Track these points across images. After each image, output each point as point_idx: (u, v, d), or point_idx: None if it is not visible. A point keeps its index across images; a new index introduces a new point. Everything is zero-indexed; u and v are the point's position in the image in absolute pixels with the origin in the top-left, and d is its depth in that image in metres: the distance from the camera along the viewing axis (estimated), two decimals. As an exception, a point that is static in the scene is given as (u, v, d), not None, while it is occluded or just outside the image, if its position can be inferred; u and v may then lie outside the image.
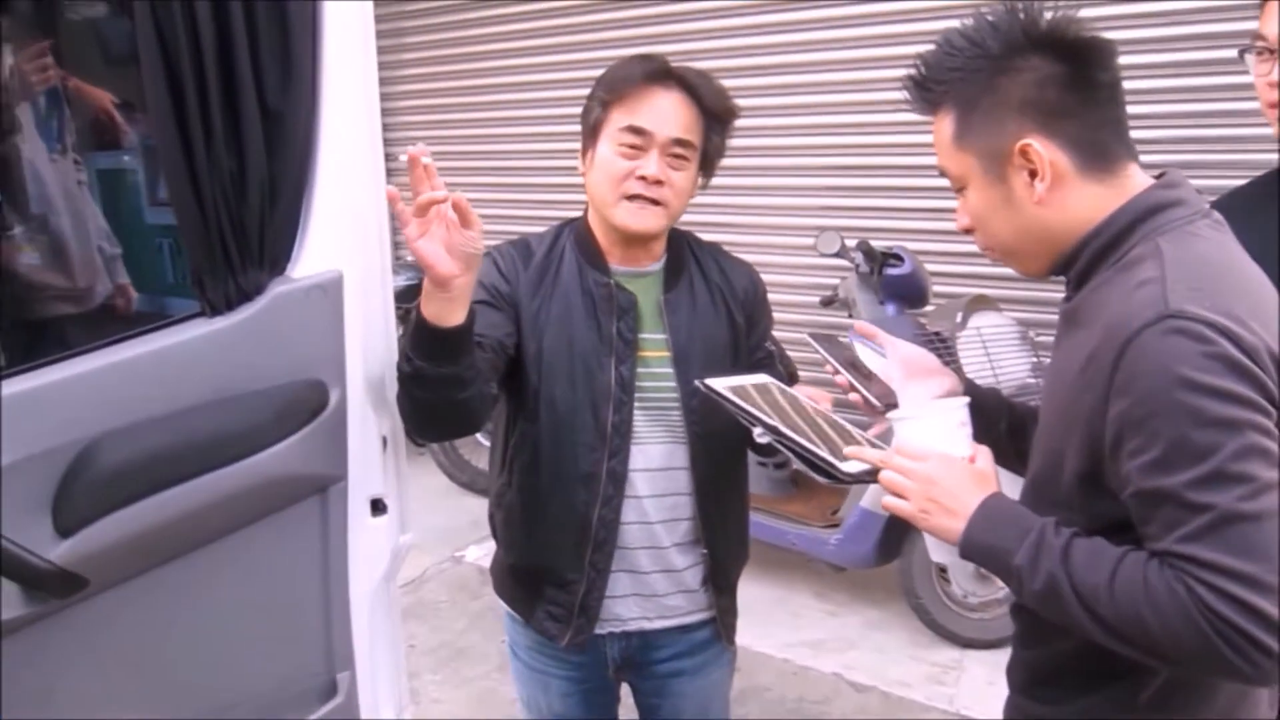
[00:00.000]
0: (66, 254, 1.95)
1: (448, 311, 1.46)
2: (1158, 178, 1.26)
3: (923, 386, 1.54)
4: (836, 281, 3.98)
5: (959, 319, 3.47)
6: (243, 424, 1.40)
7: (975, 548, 1.23)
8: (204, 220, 1.35)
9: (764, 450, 1.71)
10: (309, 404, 1.45)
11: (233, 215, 1.37)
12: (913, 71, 1.31)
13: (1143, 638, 1.09)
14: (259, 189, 1.38)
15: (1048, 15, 1.23)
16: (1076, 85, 1.21)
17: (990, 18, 1.24)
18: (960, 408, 1.35)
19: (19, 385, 1.25)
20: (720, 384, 1.54)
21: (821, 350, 1.64)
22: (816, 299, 4.10)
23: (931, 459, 1.28)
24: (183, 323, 1.39)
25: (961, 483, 1.26)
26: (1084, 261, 1.25)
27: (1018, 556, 1.17)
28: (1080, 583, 1.13)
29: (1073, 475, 1.21)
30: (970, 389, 1.56)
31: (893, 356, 1.52)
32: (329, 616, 1.56)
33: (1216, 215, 1.24)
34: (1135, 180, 1.24)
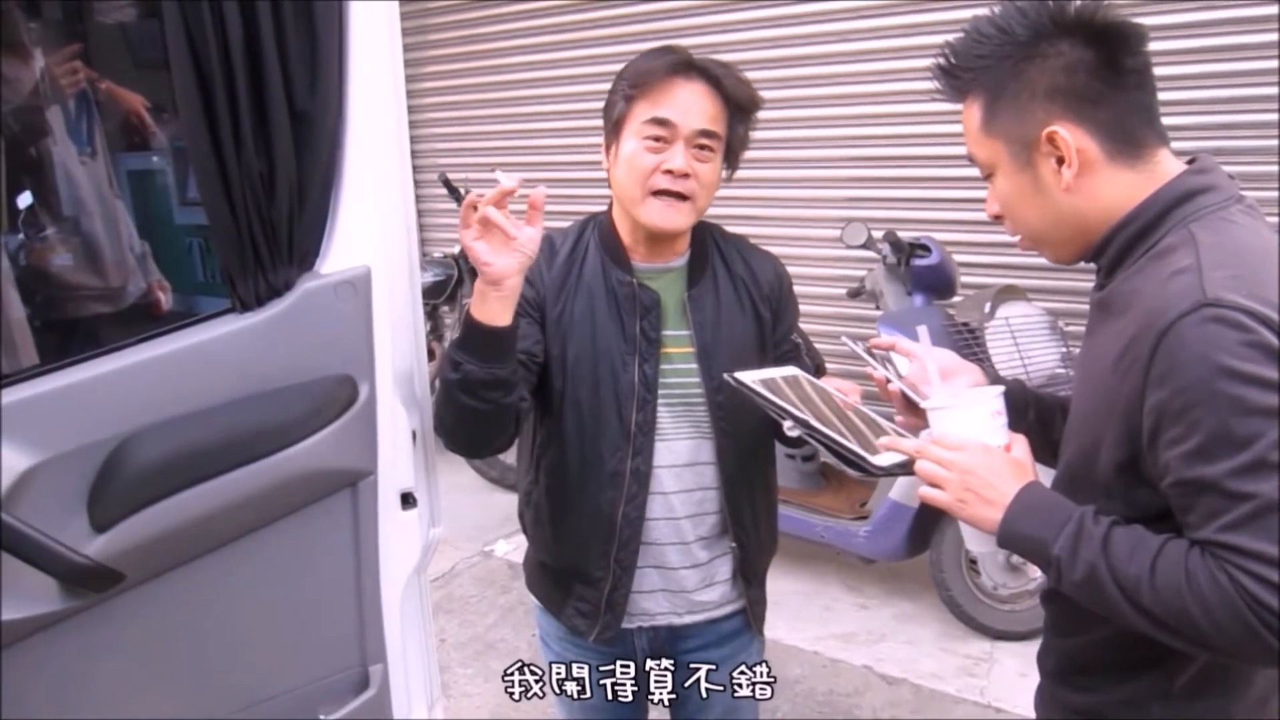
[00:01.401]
0: (99, 254, 1.98)
1: (497, 311, 1.51)
2: (1189, 163, 1.24)
3: (952, 382, 1.54)
4: (864, 273, 3.96)
5: (987, 309, 3.46)
6: (273, 419, 1.41)
7: (1013, 537, 1.23)
8: (234, 219, 1.36)
9: (792, 443, 1.70)
10: (339, 399, 1.46)
11: (262, 214, 1.38)
12: (940, 59, 1.30)
13: (1186, 627, 1.09)
14: (288, 188, 1.39)
15: (1076, 1, 1.22)
16: (1104, 71, 1.20)
17: (1018, 4, 1.24)
18: (995, 396, 1.34)
19: (54, 383, 1.27)
20: (749, 377, 1.54)
21: (860, 350, 1.64)
22: (844, 291, 4.09)
23: (968, 448, 1.28)
24: (213, 319, 1.40)
25: (998, 472, 1.25)
26: (1115, 249, 1.24)
27: (1056, 546, 1.17)
28: (1121, 572, 1.12)
29: (1110, 464, 1.20)
30: (995, 381, 1.55)
31: (927, 359, 1.51)
32: (361, 610, 1.56)
33: (1249, 200, 1.23)
34: (1166, 166, 1.23)
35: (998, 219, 1.35)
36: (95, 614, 1.31)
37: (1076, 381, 1.35)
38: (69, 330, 1.96)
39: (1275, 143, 3.45)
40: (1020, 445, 1.32)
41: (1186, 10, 3.60)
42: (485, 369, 1.53)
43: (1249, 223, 1.19)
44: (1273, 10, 3.42)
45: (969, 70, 1.27)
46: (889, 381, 1.57)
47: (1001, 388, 1.39)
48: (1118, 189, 1.22)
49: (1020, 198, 1.28)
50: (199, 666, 1.45)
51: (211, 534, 1.40)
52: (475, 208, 1.46)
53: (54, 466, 1.25)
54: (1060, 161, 1.22)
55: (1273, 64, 3.44)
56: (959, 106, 1.32)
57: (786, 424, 1.46)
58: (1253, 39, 3.49)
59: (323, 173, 1.44)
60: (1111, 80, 1.20)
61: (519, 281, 1.52)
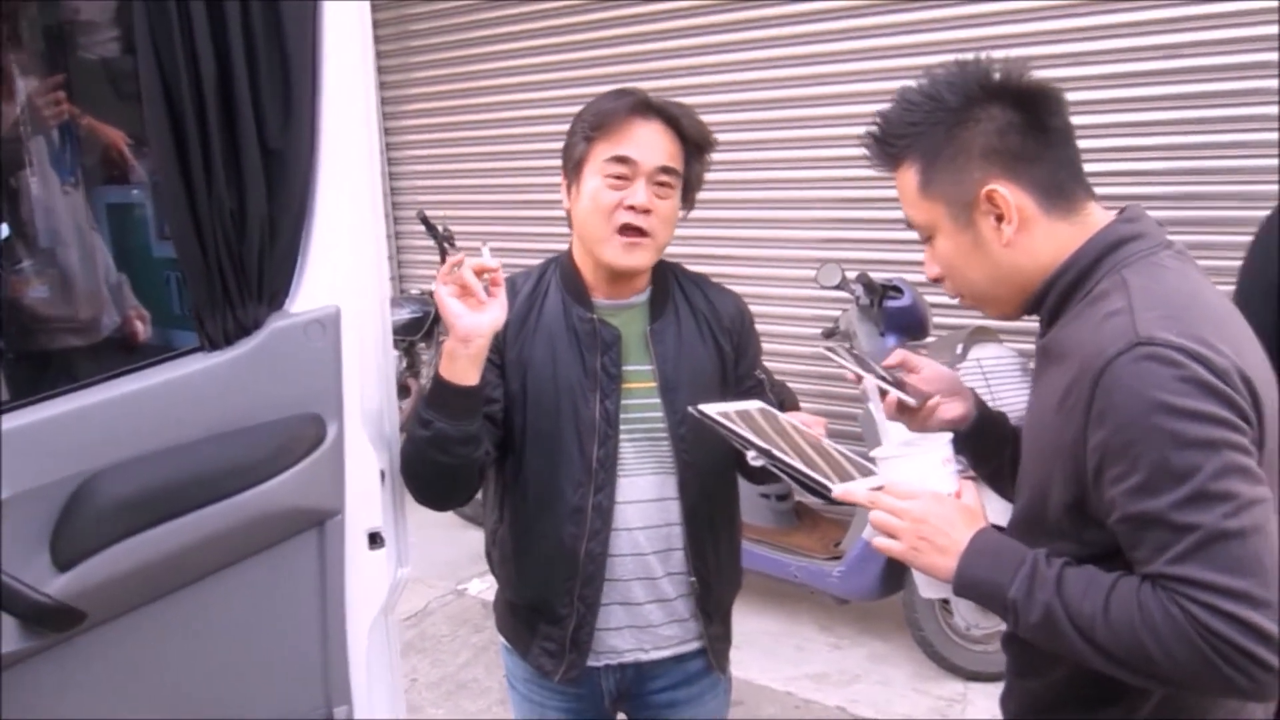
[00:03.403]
0: (74, 287, 1.97)
1: (464, 369, 1.58)
2: (1119, 213, 1.30)
3: (947, 405, 1.56)
4: (838, 314, 3.99)
5: (959, 350, 3.49)
6: (241, 458, 1.41)
7: (969, 584, 1.24)
8: (204, 256, 1.37)
9: (758, 477, 1.72)
10: (307, 438, 1.46)
11: (233, 252, 1.39)
12: (873, 128, 1.36)
13: (1142, 661, 1.11)
14: (259, 226, 1.40)
15: (998, 67, 1.28)
16: (1034, 131, 1.26)
17: (942, 73, 1.31)
18: (945, 444, 1.36)
19: (20, 419, 1.26)
20: (713, 409, 1.55)
21: (843, 359, 1.64)
22: (819, 331, 4.11)
23: (920, 497, 1.30)
24: (182, 357, 1.40)
25: (950, 520, 1.27)
26: (1054, 298, 1.29)
27: (1012, 590, 1.19)
28: (1076, 611, 1.14)
29: (1060, 505, 1.23)
30: (981, 411, 1.58)
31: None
32: (326, 650, 1.55)
33: (1179, 246, 1.28)
34: (1096, 217, 1.29)
35: (938, 280, 1.39)
36: (57, 654, 1.30)
37: (1025, 427, 1.38)
38: (42, 363, 1.95)
39: (1247, 188, 3.50)
40: (970, 492, 1.34)
41: (1159, 58, 3.66)
42: (455, 426, 1.58)
43: (1178, 266, 1.24)
44: (1244, 59, 3.47)
45: (903, 137, 1.33)
46: (883, 390, 1.57)
47: (950, 435, 1.41)
48: (1054, 242, 1.28)
49: (962, 257, 1.33)
50: (161, 707, 1.43)
51: (176, 573, 1.39)
52: (458, 266, 1.55)
53: (18, 504, 1.24)
54: (1000, 219, 1.27)
55: (1243, 111, 3.49)
56: (893, 172, 1.37)
57: (750, 454, 1.48)
58: (1224, 87, 3.54)
59: (294, 212, 1.45)
60: (1041, 139, 1.27)
61: (486, 344, 1.58)
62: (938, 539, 1.26)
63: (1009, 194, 1.25)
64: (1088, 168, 1.32)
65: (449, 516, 5.11)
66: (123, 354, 1.97)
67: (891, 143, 1.35)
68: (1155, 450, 1.08)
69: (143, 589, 1.37)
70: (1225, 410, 1.09)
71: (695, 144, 1.78)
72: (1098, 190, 1.32)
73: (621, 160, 1.71)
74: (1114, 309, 1.17)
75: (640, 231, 1.72)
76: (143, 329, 2.00)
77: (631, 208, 1.71)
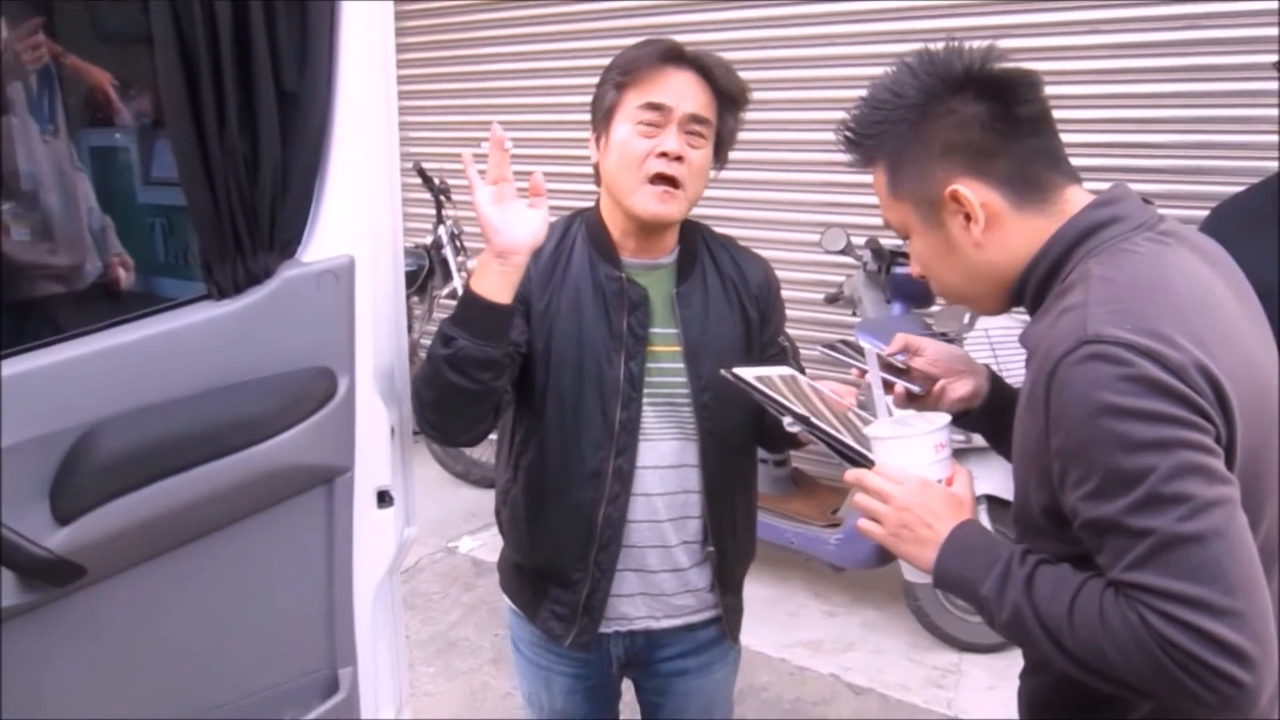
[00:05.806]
0: (56, 232, 1.92)
1: (499, 287, 1.49)
2: (1097, 197, 1.23)
3: (954, 384, 1.51)
4: (841, 279, 3.94)
5: (966, 320, 3.45)
6: (248, 412, 1.36)
7: (946, 577, 1.22)
8: (214, 203, 1.31)
9: (777, 447, 1.68)
10: (317, 392, 1.42)
11: (244, 198, 1.33)
12: (844, 129, 1.32)
13: (1106, 668, 1.07)
14: (272, 172, 1.35)
15: (964, 56, 1.22)
16: (998, 123, 1.20)
17: (910, 65, 1.25)
18: (940, 429, 1.31)
19: (18, 366, 1.21)
20: (748, 373, 1.52)
21: (845, 357, 1.62)
22: (820, 296, 4.07)
23: (907, 483, 1.26)
24: (189, 305, 1.35)
25: (933, 510, 1.24)
26: (1031, 292, 1.24)
27: (984, 588, 1.16)
28: (1044, 613, 1.11)
29: (1038, 507, 1.19)
30: (994, 386, 1.52)
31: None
32: (332, 610, 1.52)
33: (1164, 226, 1.21)
34: (1074, 204, 1.23)
35: (923, 279, 1.35)
36: (55, 609, 1.26)
37: (1015, 423, 1.31)
38: (21, 311, 1.90)
39: (1249, 164, 3.47)
40: (962, 480, 1.30)
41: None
42: (479, 346, 1.49)
43: (1153, 250, 1.17)
44: (1247, 33, 3.43)
45: (870, 137, 1.29)
46: (888, 383, 1.53)
47: (947, 418, 1.36)
48: (1028, 236, 1.22)
49: (936, 257, 1.29)
50: (161, 666, 1.39)
51: (179, 529, 1.35)
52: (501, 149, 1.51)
53: (16, 454, 1.19)
54: (968, 218, 1.22)
55: (1246, 85, 3.45)
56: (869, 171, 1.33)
57: (786, 420, 1.45)
58: (1226, 60, 3.50)
59: (308, 157, 1.40)
60: (1006, 131, 1.20)
61: (523, 261, 1.51)
62: (918, 529, 1.23)
63: (972, 193, 1.20)
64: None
65: (440, 473, 5.09)
66: (108, 302, 1.92)
67: (860, 143, 1.30)
68: (1106, 454, 1.04)
69: (145, 544, 1.32)
70: (1178, 408, 1.03)
71: (729, 97, 1.72)
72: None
73: (653, 107, 1.66)
74: (1071, 304, 1.12)
75: (672, 181, 1.66)
76: (125, 276, 1.95)
77: (664, 155, 1.65)
